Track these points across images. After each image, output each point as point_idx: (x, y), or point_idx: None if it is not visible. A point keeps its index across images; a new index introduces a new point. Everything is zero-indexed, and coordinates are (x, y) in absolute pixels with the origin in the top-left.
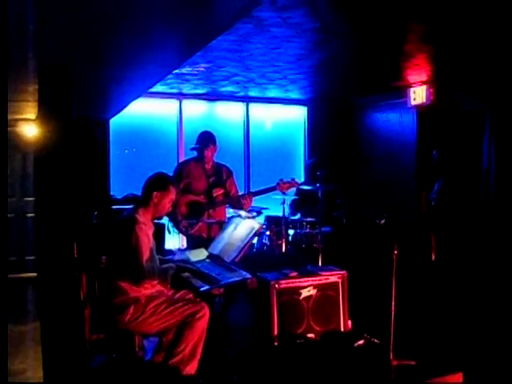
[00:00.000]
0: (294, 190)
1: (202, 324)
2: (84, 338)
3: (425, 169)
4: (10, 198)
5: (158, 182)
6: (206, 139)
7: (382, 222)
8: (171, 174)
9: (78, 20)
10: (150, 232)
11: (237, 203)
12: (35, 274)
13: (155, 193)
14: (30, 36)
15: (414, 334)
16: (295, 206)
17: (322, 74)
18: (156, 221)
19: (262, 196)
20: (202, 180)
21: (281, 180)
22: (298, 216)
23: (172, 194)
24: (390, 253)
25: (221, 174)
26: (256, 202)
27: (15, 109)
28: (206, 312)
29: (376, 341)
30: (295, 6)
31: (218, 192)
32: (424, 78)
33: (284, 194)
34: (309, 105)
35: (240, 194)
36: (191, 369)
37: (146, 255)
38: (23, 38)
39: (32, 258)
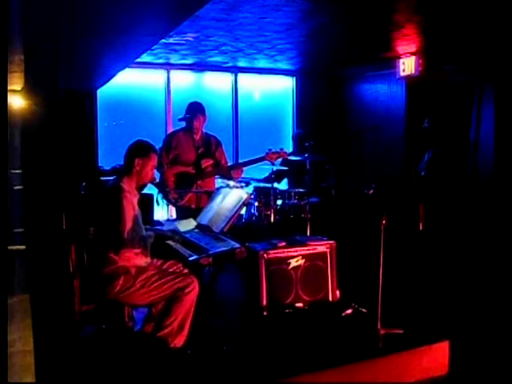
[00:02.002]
0: (280, 160)
1: (190, 298)
2: (73, 309)
3: (415, 139)
4: None
5: (138, 149)
6: (195, 109)
7: (371, 192)
8: (160, 145)
9: None
10: (135, 200)
11: (226, 174)
12: (24, 247)
13: (137, 160)
14: (15, 5)
15: (401, 303)
16: (276, 177)
17: (310, 44)
18: (144, 191)
19: (252, 166)
20: (190, 151)
21: (269, 150)
22: (284, 186)
23: (154, 161)
24: (378, 223)
25: (210, 145)
26: (246, 173)
27: None
28: (195, 286)
29: (364, 310)
30: None
31: (207, 163)
32: (413, 49)
33: (273, 164)
34: (297, 75)
35: (229, 164)
36: (179, 342)
37: (129, 224)
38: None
39: (20, 230)
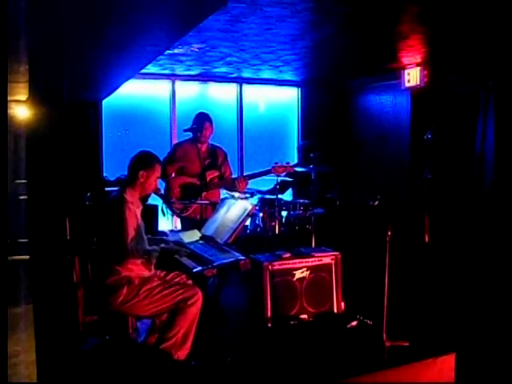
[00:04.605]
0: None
1: (194, 310)
2: (77, 321)
3: (420, 150)
4: None
5: (142, 161)
6: (204, 119)
7: (376, 203)
8: (165, 156)
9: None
10: (138, 211)
11: (231, 186)
12: (28, 257)
13: (141, 172)
14: (21, 15)
15: (407, 316)
16: (280, 188)
17: (315, 55)
18: (149, 202)
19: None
20: (196, 162)
21: (276, 163)
22: (289, 197)
23: (157, 172)
24: (383, 234)
25: (216, 157)
26: (251, 183)
27: None
28: (198, 298)
29: (369, 322)
30: None
31: (212, 175)
32: (418, 59)
33: (278, 177)
34: (302, 86)
35: (234, 176)
36: (182, 354)
37: (131, 235)
38: (14, 17)
39: (24, 240)
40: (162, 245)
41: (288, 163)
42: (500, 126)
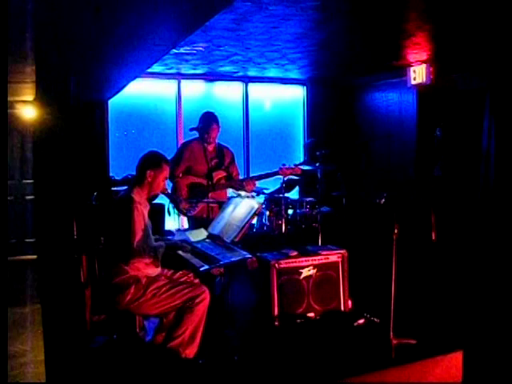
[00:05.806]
0: None
1: (201, 308)
2: (85, 319)
3: (426, 148)
4: (8, 181)
5: (150, 161)
6: (210, 119)
7: (382, 201)
8: (173, 155)
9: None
10: (146, 211)
11: (238, 186)
12: (35, 256)
13: (149, 171)
14: (28, 16)
15: (413, 313)
16: (286, 187)
17: (321, 54)
18: (156, 201)
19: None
20: (203, 162)
21: (283, 165)
22: (296, 195)
23: (166, 172)
24: (389, 232)
25: (223, 157)
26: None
27: (13, 90)
28: (206, 296)
29: (376, 320)
30: None
31: (219, 175)
32: (424, 57)
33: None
34: (308, 84)
35: (241, 177)
36: (190, 352)
37: (138, 235)
38: (21, 17)
39: (32, 240)
40: (167, 237)
41: (295, 165)
42: (500, 123)
